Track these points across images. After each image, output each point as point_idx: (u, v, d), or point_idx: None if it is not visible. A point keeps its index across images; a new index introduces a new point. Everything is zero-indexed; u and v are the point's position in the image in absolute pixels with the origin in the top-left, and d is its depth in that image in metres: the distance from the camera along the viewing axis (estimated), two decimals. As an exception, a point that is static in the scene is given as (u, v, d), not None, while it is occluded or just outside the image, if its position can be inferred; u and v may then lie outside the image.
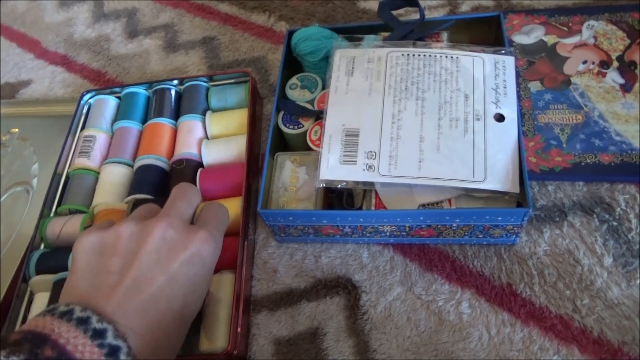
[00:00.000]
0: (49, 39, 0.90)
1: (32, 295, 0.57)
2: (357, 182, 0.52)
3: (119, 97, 0.72)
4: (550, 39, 0.66)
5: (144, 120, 0.69)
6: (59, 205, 0.63)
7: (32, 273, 0.57)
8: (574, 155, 0.57)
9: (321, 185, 0.52)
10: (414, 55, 0.56)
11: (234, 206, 0.57)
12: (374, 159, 0.52)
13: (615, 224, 0.53)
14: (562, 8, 0.70)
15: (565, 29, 0.67)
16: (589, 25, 0.66)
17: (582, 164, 0.56)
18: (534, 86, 0.63)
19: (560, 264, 0.52)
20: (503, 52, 0.56)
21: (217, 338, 0.50)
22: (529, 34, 0.68)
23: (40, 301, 0.55)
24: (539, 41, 0.67)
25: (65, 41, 0.89)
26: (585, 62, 0.63)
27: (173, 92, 0.70)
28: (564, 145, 0.58)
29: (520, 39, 0.67)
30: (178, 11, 0.87)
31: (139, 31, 0.86)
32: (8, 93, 0.84)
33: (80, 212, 0.62)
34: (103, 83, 0.80)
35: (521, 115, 0.60)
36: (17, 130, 0.78)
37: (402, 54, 0.56)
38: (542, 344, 0.48)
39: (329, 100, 0.56)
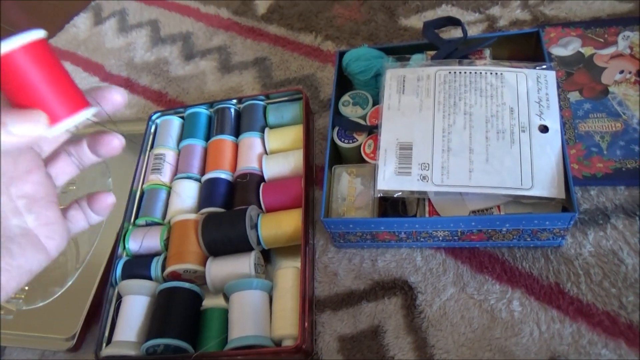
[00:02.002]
0: (112, 63, 0.98)
1: (119, 297, 0.63)
2: (412, 192, 0.57)
3: (182, 117, 0.79)
4: (587, 51, 0.70)
5: (207, 137, 0.76)
6: (136, 217, 0.70)
7: (119, 278, 0.64)
8: (615, 161, 0.60)
9: (379, 195, 0.57)
10: (460, 72, 0.61)
11: (295, 216, 0.63)
12: (427, 170, 0.56)
13: (657, 225, 0.56)
14: (598, 20, 0.74)
15: (601, 40, 0.70)
16: (624, 36, 0.70)
17: (623, 169, 0.60)
18: (574, 96, 0.67)
19: (605, 264, 0.55)
20: (544, 66, 0.60)
21: (287, 326, 0.56)
22: (567, 46, 0.71)
23: (128, 302, 0.61)
24: (577, 53, 0.70)
25: (126, 65, 0.97)
26: (622, 71, 0.67)
27: (233, 111, 0.76)
28: (605, 152, 0.61)
29: (558, 51, 0.71)
30: (230, 34, 0.93)
31: (195, 53, 0.93)
32: (78, 115, 0.92)
33: (157, 223, 0.68)
34: (165, 103, 0.87)
35: (562, 123, 0.64)
36: (89, 148, 0.86)
37: (449, 72, 0.61)
38: (590, 338, 0.52)
39: (382, 117, 0.61)
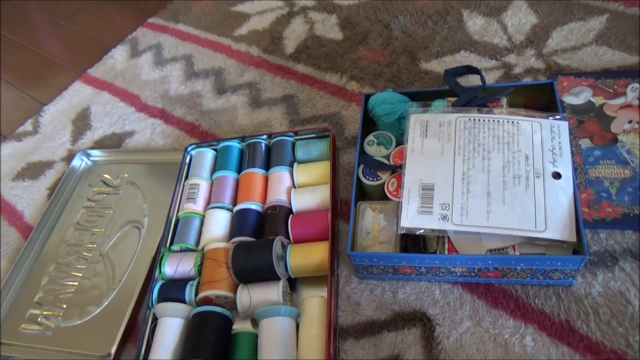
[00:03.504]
0: (147, 94, 1.05)
1: (155, 318, 0.68)
2: (433, 230, 0.61)
3: (215, 149, 0.84)
4: (597, 100, 0.75)
5: (239, 170, 0.81)
6: (171, 243, 0.75)
7: (155, 301, 0.68)
8: (623, 206, 0.64)
9: (402, 232, 0.62)
10: (479, 120, 0.66)
11: (321, 248, 0.67)
12: (447, 210, 0.61)
13: (662, 269, 0.60)
14: (608, 71, 0.79)
15: (611, 90, 0.75)
16: (633, 87, 0.75)
17: (631, 214, 0.64)
18: (584, 143, 0.71)
19: (613, 304, 0.59)
20: (558, 117, 0.65)
21: (313, 353, 0.60)
22: (578, 95, 0.76)
23: (164, 324, 0.65)
24: (588, 102, 0.75)
25: (162, 96, 1.03)
26: (630, 121, 0.71)
27: (263, 145, 0.81)
28: (614, 197, 0.65)
29: (570, 99, 0.76)
30: (260, 71, 1.00)
31: (226, 88, 0.99)
32: (115, 143, 0.98)
33: (190, 249, 0.73)
34: (198, 135, 0.93)
35: (574, 170, 0.69)
36: (126, 175, 0.91)
37: (469, 119, 0.66)
38: (599, 375, 0.55)
39: (407, 158, 0.66)
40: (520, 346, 0.59)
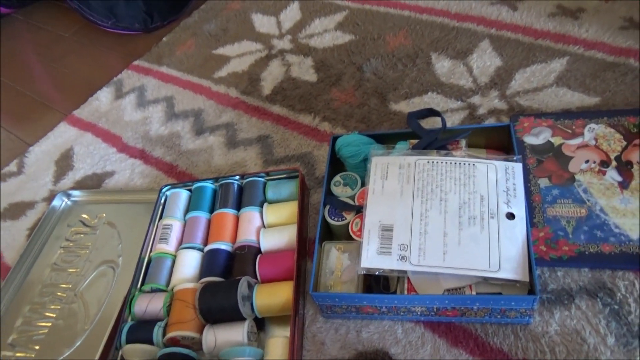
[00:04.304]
0: (129, 135, 1.08)
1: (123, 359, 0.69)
2: (392, 270, 0.63)
3: (190, 190, 0.86)
4: (556, 140, 0.77)
5: (211, 210, 0.83)
6: (142, 283, 0.76)
7: (123, 342, 0.69)
8: (579, 244, 0.66)
9: (362, 272, 0.63)
10: (437, 162, 0.68)
11: (287, 288, 0.68)
12: (405, 251, 0.63)
13: (616, 307, 0.61)
14: (567, 112, 0.82)
15: (569, 131, 0.78)
16: (590, 128, 0.77)
17: (587, 252, 0.65)
18: (543, 182, 0.73)
19: (569, 343, 0.60)
20: (514, 159, 0.67)
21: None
22: (538, 136, 0.79)
23: (131, 367, 0.66)
24: (547, 142, 0.78)
25: (142, 137, 1.06)
26: (587, 161, 0.74)
27: (236, 186, 0.84)
28: (570, 236, 0.67)
29: (530, 139, 0.79)
30: (237, 112, 1.03)
31: (205, 129, 1.02)
32: (96, 183, 1.00)
33: (161, 290, 0.74)
34: (175, 174, 0.96)
35: (532, 208, 0.71)
36: (104, 215, 0.93)
37: (428, 161, 0.69)
38: (554, 414, 0.56)
39: (367, 200, 0.68)
40: (478, 386, 0.59)
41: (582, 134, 0.77)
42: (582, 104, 0.83)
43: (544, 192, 0.72)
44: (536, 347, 0.61)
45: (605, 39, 0.90)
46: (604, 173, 0.72)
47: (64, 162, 1.07)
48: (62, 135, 1.14)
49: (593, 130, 0.77)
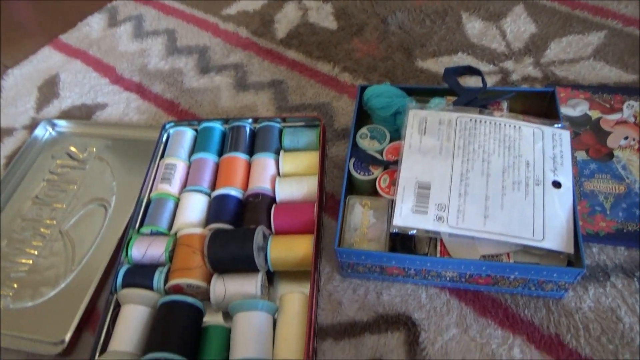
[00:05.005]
0: (124, 66, 0.98)
1: (118, 305, 0.62)
2: (427, 231, 0.58)
3: (196, 130, 0.79)
4: (594, 114, 0.74)
5: (220, 153, 0.76)
6: (141, 225, 0.69)
7: (119, 286, 0.62)
8: (617, 222, 0.63)
9: (394, 231, 0.58)
10: (480, 121, 0.63)
11: (306, 242, 0.63)
12: (443, 211, 0.58)
13: (653, 288, 0.59)
14: (605, 86, 0.78)
15: (608, 106, 0.74)
16: (629, 104, 0.74)
17: (624, 230, 0.62)
18: (580, 155, 0.70)
19: (603, 320, 0.57)
20: (559, 125, 0.63)
21: (291, 352, 0.55)
22: (575, 107, 0.75)
23: (128, 312, 0.60)
24: (584, 115, 0.74)
25: (139, 70, 0.96)
26: (626, 137, 0.70)
27: (248, 130, 0.77)
28: (608, 212, 0.64)
29: (566, 110, 0.75)
30: (247, 53, 0.95)
31: (210, 68, 0.94)
32: (85, 114, 0.91)
33: (162, 234, 0.67)
34: (176, 113, 0.87)
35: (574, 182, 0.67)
36: (94, 149, 0.85)
37: (470, 120, 0.63)
38: (587, 392, 0.53)
39: (403, 155, 0.62)
40: (507, 357, 0.56)
41: (620, 110, 0.74)
42: (620, 80, 0.79)
43: (581, 165, 0.69)
44: (569, 323, 0.58)
45: (644, 17, 0.87)
46: (644, 151, 0.69)
47: (48, 89, 0.97)
48: (47, 60, 1.03)
49: (632, 107, 0.74)
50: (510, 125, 0.63)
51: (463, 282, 0.60)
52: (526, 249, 0.57)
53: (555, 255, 0.57)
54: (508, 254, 0.58)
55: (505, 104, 0.68)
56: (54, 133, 0.89)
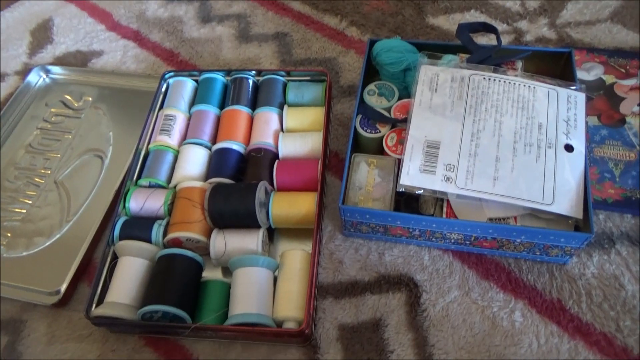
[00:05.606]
0: (121, 13, 0.93)
1: (115, 257, 0.61)
2: (434, 191, 0.57)
3: (196, 81, 0.76)
4: (608, 79, 0.72)
5: (221, 106, 0.73)
6: (139, 177, 0.67)
7: (117, 238, 0.61)
8: (626, 189, 0.62)
9: (401, 190, 0.57)
10: (494, 80, 0.61)
11: (309, 199, 0.62)
12: (452, 172, 0.56)
13: (658, 256, 0.58)
14: (621, 50, 0.76)
15: (623, 70, 0.72)
16: (645, 70, 0.72)
17: (633, 198, 0.61)
18: (592, 121, 0.68)
19: (606, 287, 0.57)
20: (574, 87, 0.61)
21: (291, 309, 0.55)
22: (589, 71, 0.73)
23: (126, 264, 0.58)
24: (598, 79, 0.72)
25: (137, 17, 0.92)
26: (640, 104, 0.69)
27: (251, 82, 0.74)
28: (617, 179, 0.63)
29: (580, 74, 0.72)
30: (251, 3, 0.90)
31: (212, 17, 0.89)
32: (80, 61, 0.87)
33: (160, 186, 0.66)
34: (176, 64, 0.84)
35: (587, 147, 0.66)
36: (90, 98, 0.81)
37: (484, 78, 0.61)
38: (586, 357, 0.53)
39: (412, 112, 0.60)
40: (508, 321, 0.56)
41: (636, 75, 0.71)
42: (637, 44, 0.76)
43: (592, 131, 0.67)
44: (572, 288, 0.57)
45: (665, -21, 0.83)
46: (658, 119, 0.67)
47: (42, 34, 0.93)
48: (39, 3, 0.98)
49: (648, 73, 0.71)
50: (524, 85, 0.60)
51: (467, 245, 0.59)
52: (533, 213, 0.56)
53: (562, 220, 0.56)
54: (515, 218, 0.57)
55: (520, 64, 0.66)
56: (47, 80, 0.85)
